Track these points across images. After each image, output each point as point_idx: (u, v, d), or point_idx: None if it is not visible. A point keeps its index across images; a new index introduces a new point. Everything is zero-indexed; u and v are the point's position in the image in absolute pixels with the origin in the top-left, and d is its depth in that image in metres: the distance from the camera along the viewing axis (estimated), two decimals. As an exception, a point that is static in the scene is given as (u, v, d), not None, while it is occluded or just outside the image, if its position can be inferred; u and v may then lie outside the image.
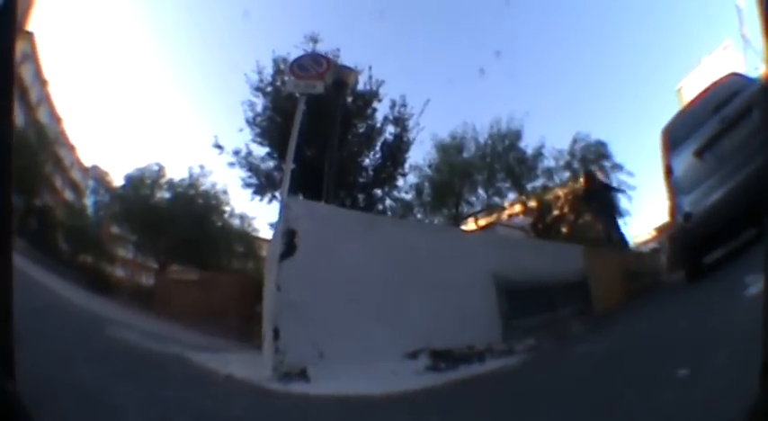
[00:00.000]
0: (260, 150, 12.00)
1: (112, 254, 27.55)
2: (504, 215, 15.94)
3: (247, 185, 12.43)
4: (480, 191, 14.89)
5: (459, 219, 15.13)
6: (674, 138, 4.96)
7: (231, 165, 12.09)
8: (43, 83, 20.85)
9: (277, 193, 12.65)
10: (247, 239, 21.10)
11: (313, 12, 23.60)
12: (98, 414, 1.62)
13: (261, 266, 25.14)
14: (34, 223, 19.16)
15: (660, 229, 13.55)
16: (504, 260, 3.81)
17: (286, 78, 8.42)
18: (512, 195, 15.15)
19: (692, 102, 5.25)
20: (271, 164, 12.13)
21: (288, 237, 2.54)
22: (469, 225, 15.42)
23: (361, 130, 11.35)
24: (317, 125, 8.95)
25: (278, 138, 10.60)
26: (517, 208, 15.11)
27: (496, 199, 14.97)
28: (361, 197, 11.70)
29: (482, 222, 15.51)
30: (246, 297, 12.48)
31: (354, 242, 3.01)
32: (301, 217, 2.64)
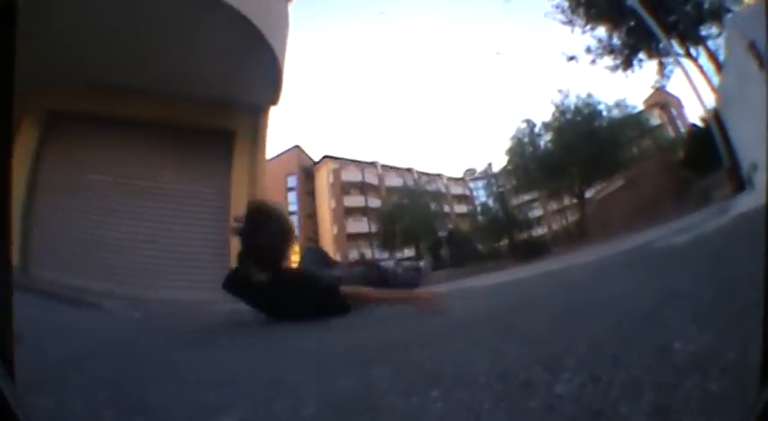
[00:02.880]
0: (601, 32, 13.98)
1: (528, 221, 31.38)
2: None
3: (614, 67, 14.10)
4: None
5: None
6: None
7: (593, 62, 14.31)
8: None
9: (641, 55, 13.07)
10: (633, 121, 20.91)
11: None
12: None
13: (661, 133, 23.98)
14: (451, 248, 24.19)
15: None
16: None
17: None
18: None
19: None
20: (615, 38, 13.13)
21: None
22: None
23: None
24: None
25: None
26: None
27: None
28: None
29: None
30: (672, 167, 12.23)
31: None
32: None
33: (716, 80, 11.39)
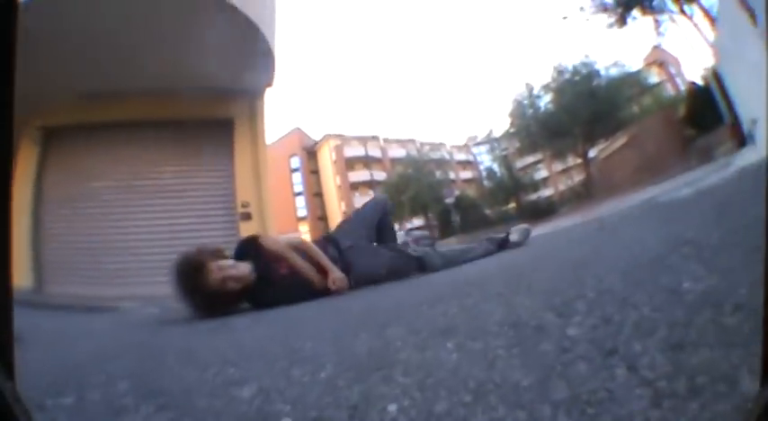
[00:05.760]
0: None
1: (534, 183, 31.39)
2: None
3: (609, 25, 14.30)
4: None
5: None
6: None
7: (587, 20, 14.66)
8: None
9: (633, 12, 13.10)
10: (632, 79, 21.09)
11: None
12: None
13: (660, 91, 24.04)
14: (460, 214, 24.08)
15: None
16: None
17: None
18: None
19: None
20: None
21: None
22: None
23: None
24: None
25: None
26: None
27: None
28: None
29: None
30: (674, 124, 12.21)
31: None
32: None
33: (712, 37, 11.34)
